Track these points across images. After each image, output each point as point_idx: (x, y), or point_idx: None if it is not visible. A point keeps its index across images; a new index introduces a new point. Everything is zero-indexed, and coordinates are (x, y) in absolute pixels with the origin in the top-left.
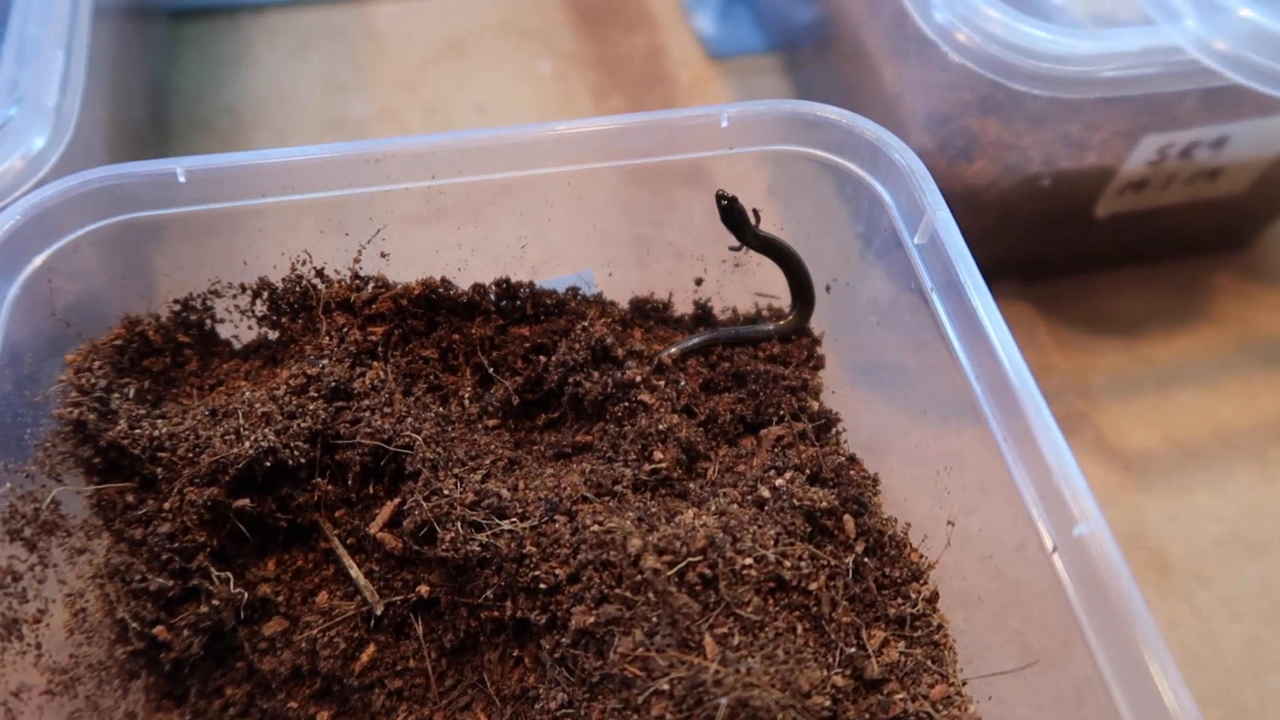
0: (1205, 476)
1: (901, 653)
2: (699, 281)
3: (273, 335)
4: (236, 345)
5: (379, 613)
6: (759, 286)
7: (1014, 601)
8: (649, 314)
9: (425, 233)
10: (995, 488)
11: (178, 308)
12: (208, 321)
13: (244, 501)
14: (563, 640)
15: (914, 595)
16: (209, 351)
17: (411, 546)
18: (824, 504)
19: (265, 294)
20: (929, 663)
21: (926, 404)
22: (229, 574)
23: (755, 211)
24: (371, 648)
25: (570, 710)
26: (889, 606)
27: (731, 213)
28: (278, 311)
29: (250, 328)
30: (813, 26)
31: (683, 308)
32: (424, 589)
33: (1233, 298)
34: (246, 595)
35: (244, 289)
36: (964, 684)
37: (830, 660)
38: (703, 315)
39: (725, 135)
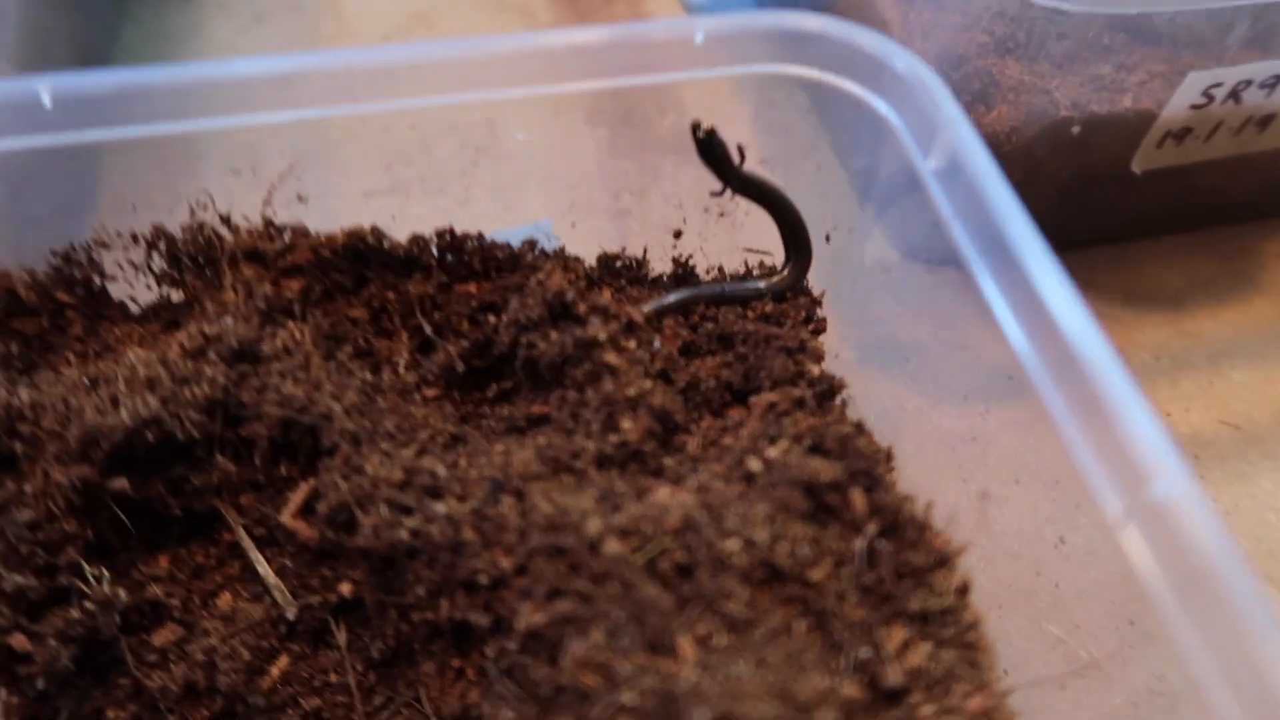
0: (1269, 463)
1: (928, 656)
2: (678, 234)
3: (177, 297)
4: (134, 309)
5: (292, 617)
6: (748, 240)
7: (1052, 604)
8: (619, 273)
9: (351, 174)
10: (1029, 476)
11: (57, 261)
12: (95, 279)
13: (121, 482)
14: (509, 646)
15: (940, 586)
16: (98, 314)
17: (329, 536)
18: (827, 476)
19: (162, 245)
20: (962, 668)
21: (945, 381)
22: (104, 570)
23: (740, 149)
24: (283, 659)
25: None
26: (910, 599)
27: (711, 147)
28: (178, 267)
29: (149, 287)
30: None
31: (660, 266)
32: (346, 588)
33: None
34: (130, 598)
35: (136, 239)
36: (1007, 694)
37: (838, 666)
38: (683, 275)
39: (701, 54)
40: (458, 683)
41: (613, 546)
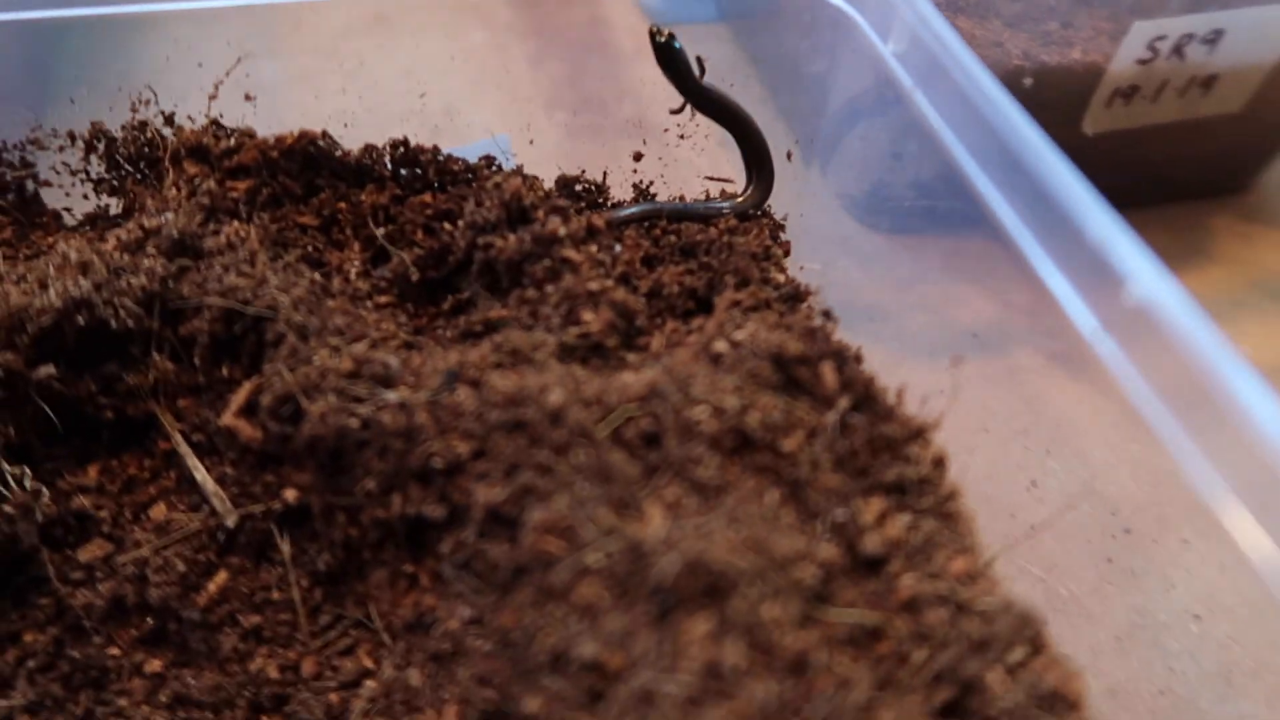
0: None
1: (907, 526)
2: (638, 157)
3: (116, 208)
4: (69, 220)
5: (231, 525)
6: (710, 167)
7: (1028, 545)
8: (579, 196)
9: (302, 79)
10: (999, 424)
11: None
12: (29, 184)
13: (48, 369)
14: (465, 537)
15: (916, 456)
16: (30, 222)
17: (273, 432)
18: (795, 350)
19: (101, 145)
20: (942, 535)
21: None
22: (25, 469)
23: (699, 60)
24: (222, 574)
25: (476, 626)
26: (886, 471)
27: (670, 54)
28: (118, 170)
29: (86, 197)
30: None
31: (620, 191)
32: (291, 493)
33: (1235, 239)
34: (55, 508)
35: (74, 139)
36: (992, 559)
37: (814, 532)
38: (644, 201)
39: None
40: (411, 591)
41: (575, 414)
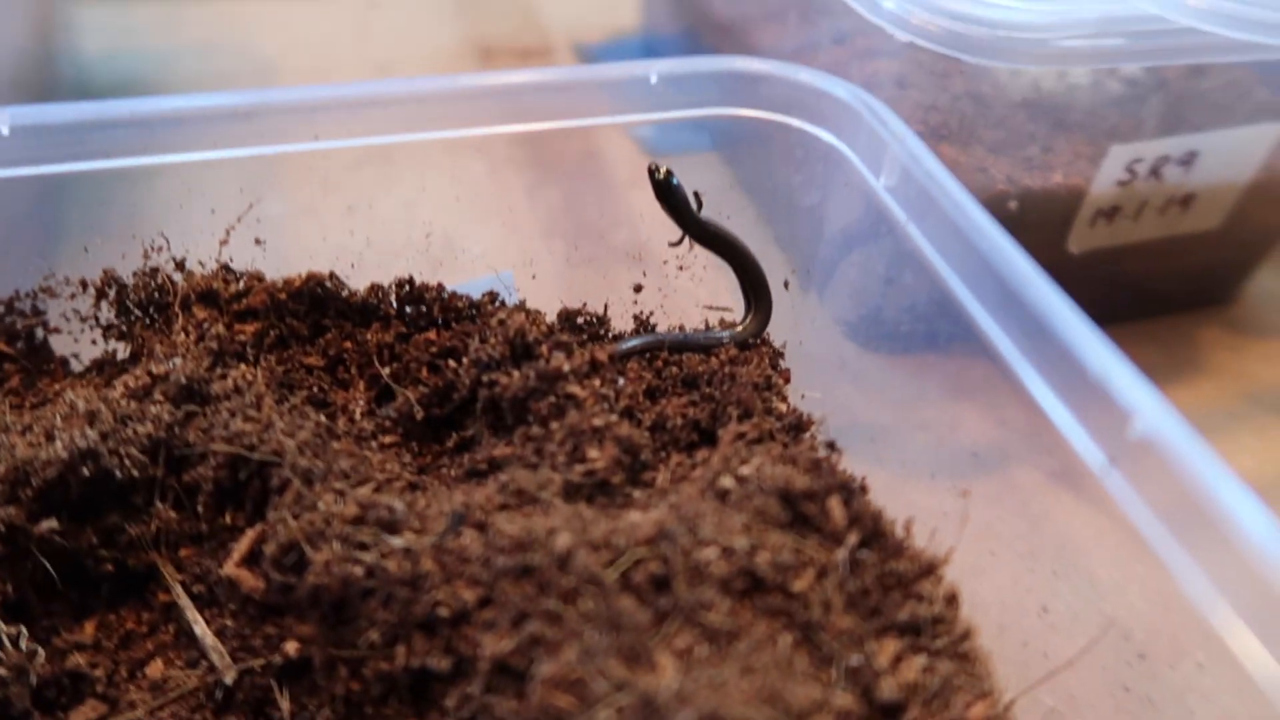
0: None
1: (923, 668)
2: (638, 289)
3: (123, 352)
4: (75, 365)
5: (230, 682)
6: (709, 296)
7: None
8: (581, 328)
9: (309, 216)
10: (1004, 547)
11: (0, 310)
12: (39, 331)
13: (50, 524)
14: (471, 690)
15: (928, 594)
16: (38, 369)
17: (276, 582)
18: (802, 485)
19: (112, 292)
20: (960, 678)
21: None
22: (22, 629)
23: (696, 195)
24: None
25: None
26: (899, 610)
27: (668, 190)
28: (127, 316)
29: (94, 342)
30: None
31: (621, 323)
32: (292, 646)
33: (1224, 351)
34: (49, 667)
35: (85, 286)
36: (1011, 703)
37: (829, 678)
38: (645, 332)
39: (654, 96)
40: None
41: (583, 559)
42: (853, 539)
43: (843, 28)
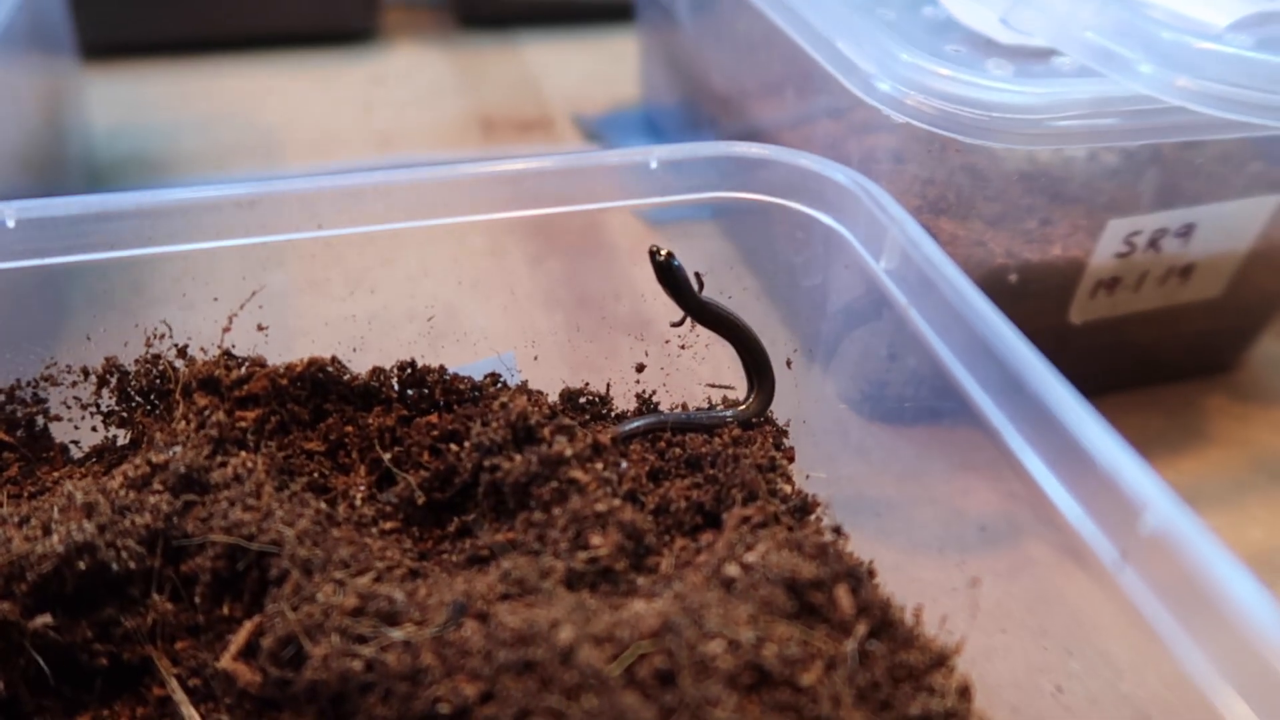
0: None
1: None
2: (640, 368)
3: (123, 439)
4: (75, 453)
5: None
6: (711, 375)
7: None
8: (583, 408)
9: (311, 302)
10: (1015, 625)
11: (1, 399)
12: (39, 419)
13: (45, 619)
14: None
15: (940, 687)
16: (37, 457)
17: (273, 677)
18: (809, 574)
19: (114, 380)
20: None
21: (918, 534)
22: None
23: (698, 275)
24: None
25: None
26: (911, 704)
27: (669, 272)
28: (129, 403)
29: (94, 429)
30: None
31: (623, 402)
32: None
33: (1230, 419)
34: None
35: (87, 374)
36: None
37: None
38: (647, 411)
39: (654, 180)
40: None
41: (586, 654)
42: (861, 629)
43: (839, 103)
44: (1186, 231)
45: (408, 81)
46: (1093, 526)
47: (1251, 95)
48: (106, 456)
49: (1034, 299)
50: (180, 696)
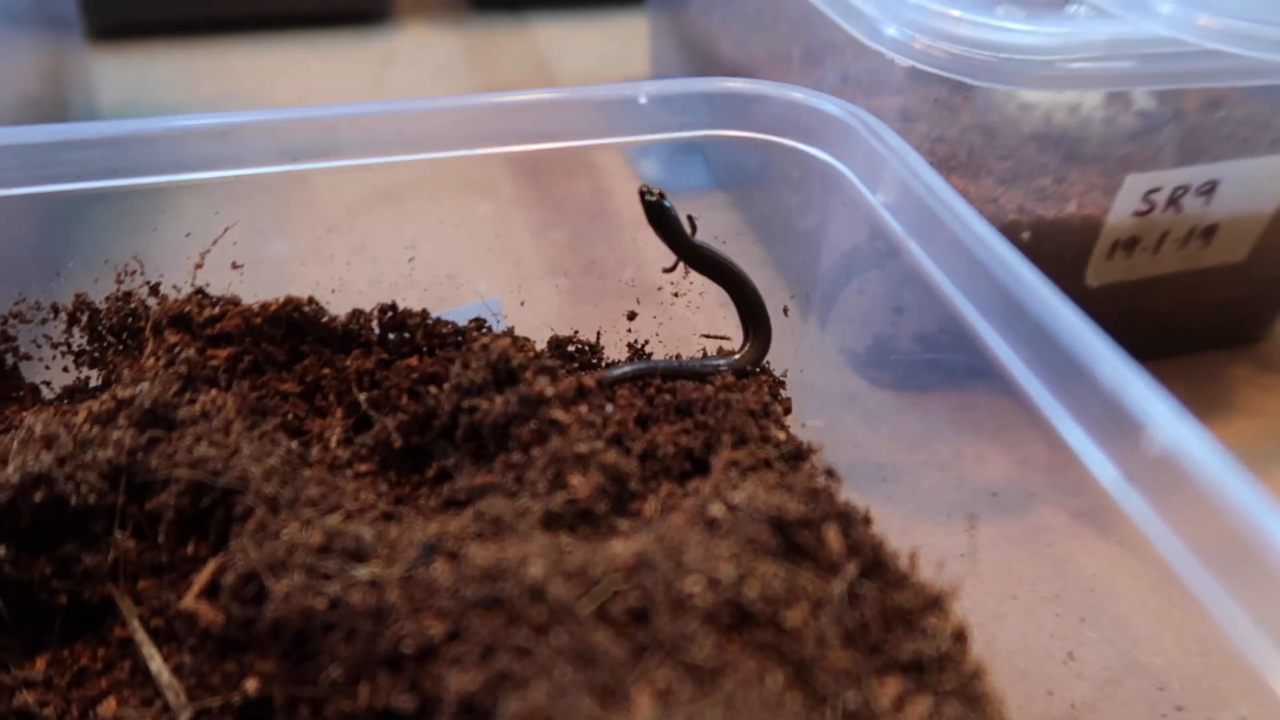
0: None
1: (929, 710)
2: (631, 316)
3: (96, 379)
4: (46, 393)
5: None
6: (706, 324)
7: None
8: (571, 356)
9: (287, 238)
10: (1026, 590)
11: None
12: (9, 357)
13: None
14: None
15: (934, 630)
16: (6, 396)
17: (235, 615)
18: (797, 513)
19: (84, 318)
20: None
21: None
22: None
23: (690, 218)
24: None
25: None
26: (901, 647)
27: (660, 213)
28: (100, 342)
29: (65, 369)
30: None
31: (615, 352)
32: (252, 684)
33: (1256, 390)
34: None
35: (57, 311)
36: None
37: (824, 719)
38: (639, 360)
39: (644, 117)
40: None
41: (556, 590)
42: (851, 570)
43: (847, 67)
44: (1209, 189)
45: (418, 62)
46: (1113, 470)
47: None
48: (79, 397)
49: (1048, 260)
50: (142, 637)
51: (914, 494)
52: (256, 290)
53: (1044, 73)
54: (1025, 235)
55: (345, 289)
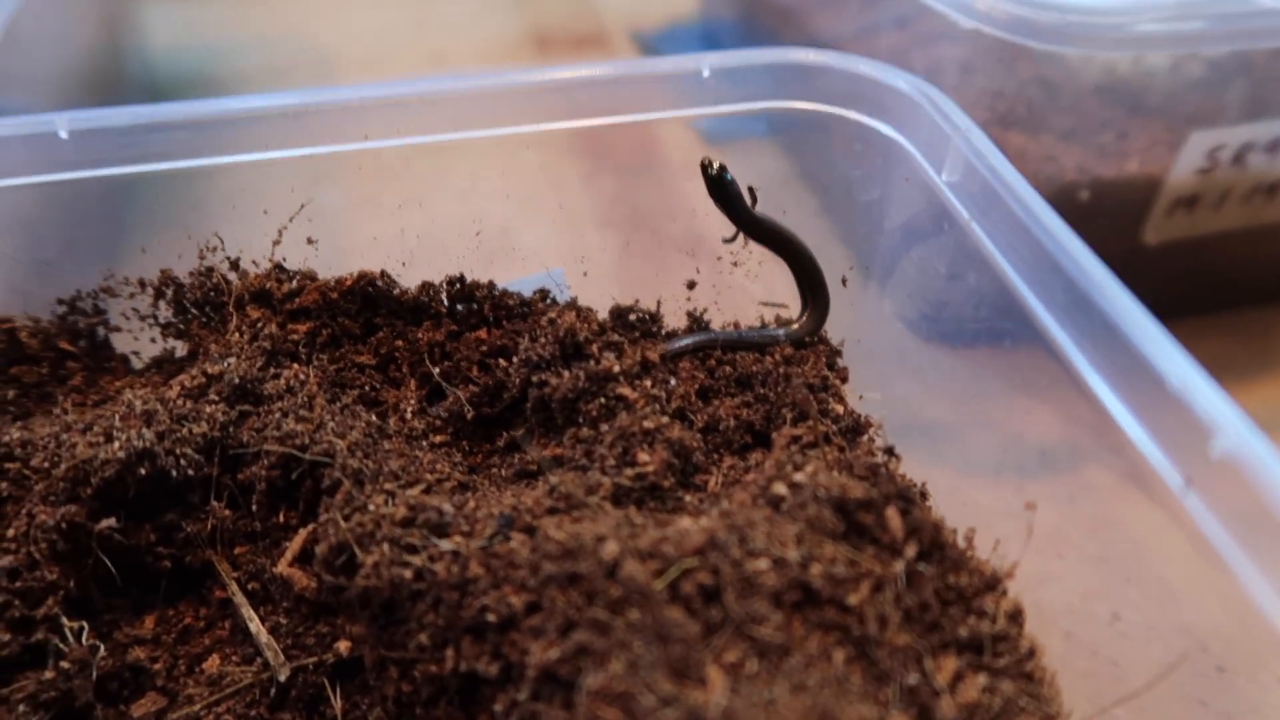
0: None
1: (984, 688)
2: (691, 285)
3: (181, 350)
4: (136, 363)
5: (284, 679)
6: (765, 293)
7: (1114, 685)
8: (633, 325)
9: (360, 217)
10: (1073, 550)
11: (63, 309)
12: (101, 330)
13: (109, 522)
14: (519, 696)
15: (990, 610)
16: (100, 366)
17: (327, 583)
18: (859, 494)
19: (169, 292)
20: (1024, 700)
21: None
22: (84, 624)
23: (751, 190)
24: None
25: None
26: (959, 626)
27: (721, 185)
28: (184, 315)
29: (153, 340)
30: None
31: (674, 320)
32: (344, 645)
33: None
34: (111, 661)
35: (144, 286)
36: None
37: (884, 697)
38: (698, 329)
39: (708, 90)
40: None
41: (631, 569)
42: (911, 551)
43: (905, 11)
44: (1276, 146)
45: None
46: (1156, 448)
47: None
48: (166, 367)
49: (1107, 217)
50: (240, 599)
51: (964, 452)
52: (330, 259)
53: (1111, 35)
54: (1084, 195)
55: (415, 262)
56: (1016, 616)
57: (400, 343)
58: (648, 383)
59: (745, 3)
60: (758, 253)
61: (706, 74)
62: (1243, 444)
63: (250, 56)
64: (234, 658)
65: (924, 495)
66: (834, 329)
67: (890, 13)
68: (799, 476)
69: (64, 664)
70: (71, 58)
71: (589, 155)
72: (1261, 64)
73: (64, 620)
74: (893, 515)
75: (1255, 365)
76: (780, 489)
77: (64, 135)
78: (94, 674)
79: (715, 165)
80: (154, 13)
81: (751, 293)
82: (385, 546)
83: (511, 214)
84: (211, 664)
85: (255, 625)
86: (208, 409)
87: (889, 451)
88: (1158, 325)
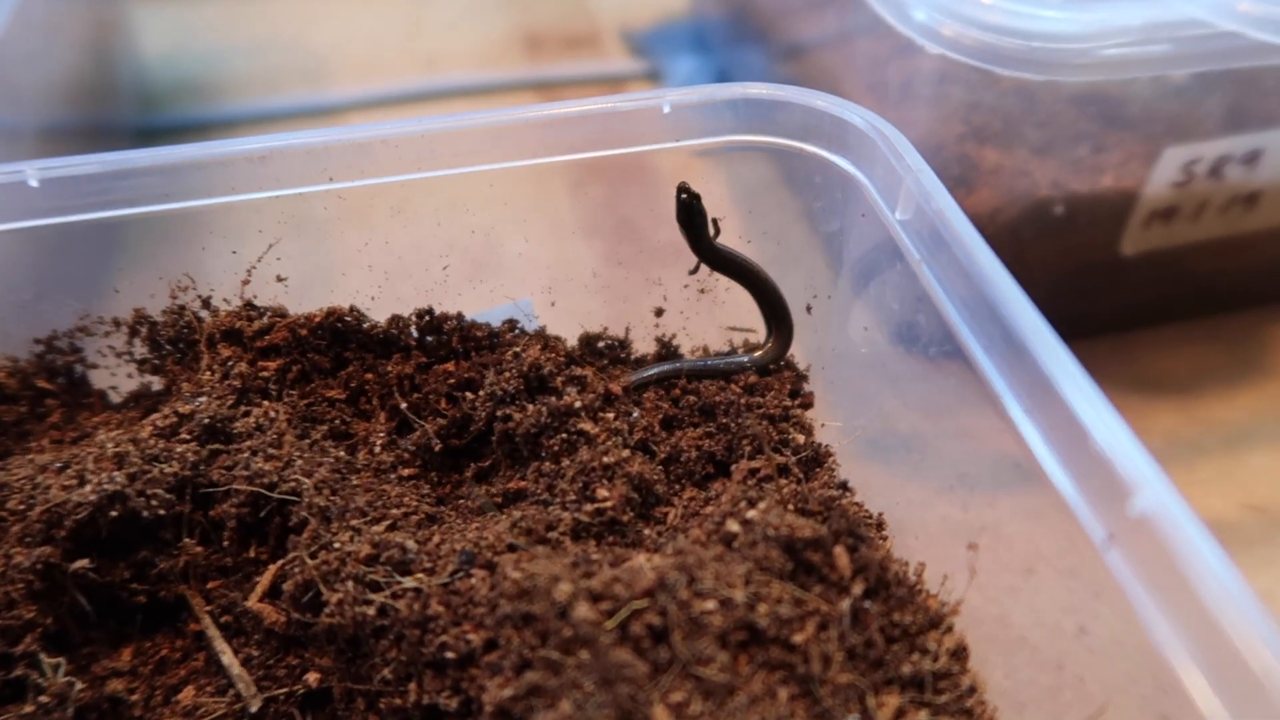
0: None
1: None
2: (659, 312)
3: (158, 384)
4: (113, 397)
5: (254, 709)
6: (731, 318)
7: (1078, 700)
8: (601, 353)
9: (328, 251)
10: (1044, 564)
11: (40, 348)
12: (78, 367)
13: (83, 563)
14: None
15: (933, 648)
16: (77, 402)
17: (295, 618)
18: (807, 534)
19: (144, 330)
20: None
21: (949, 471)
22: (62, 660)
23: (715, 222)
24: None
25: None
26: (903, 663)
27: (689, 212)
28: (159, 351)
29: (130, 375)
30: None
31: (643, 346)
32: (313, 677)
33: None
34: (89, 693)
35: (118, 324)
36: None
37: None
38: (667, 355)
39: (668, 125)
40: None
41: (582, 611)
42: (857, 589)
43: (879, 26)
44: (1253, 158)
45: (454, 1)
46: (1083, 504)
47: None
48: (143, 401)
49: (1082, 231)
50: (213, 633)
51: (939, 464)
52: (299, 296)
53: (1077, 60)
54: (1059, 210)
55: (383, 295)
56: (959, 654)
57: (370, 376)
58: (610, 415)
59: (733, 4)
60: (725, 280)
61: (667, 110)
62: (1160, 505)
63: (242, 61)
64: (208, 689)
65: (880, 525)
66: (800, 354)
67: (867, 20)
68: (751, 514)
69: (43, 698)
70: (59, 67)
71: (555, 186)
72: (1242, 76)
73: (42, 656)
74: (840, 554)
75: (1237, 371)
76: (733, 526)
77: (34, 184)
78: (72, 708)
79: (687, 194)
80: (145, 17)
81: (718, 318)
82: (350, 584)
83: (475, 246)
84: (187, 695)
85: (228, 657)
86: (179, 448)
87: (843, 487)
88: (1090, 381)
